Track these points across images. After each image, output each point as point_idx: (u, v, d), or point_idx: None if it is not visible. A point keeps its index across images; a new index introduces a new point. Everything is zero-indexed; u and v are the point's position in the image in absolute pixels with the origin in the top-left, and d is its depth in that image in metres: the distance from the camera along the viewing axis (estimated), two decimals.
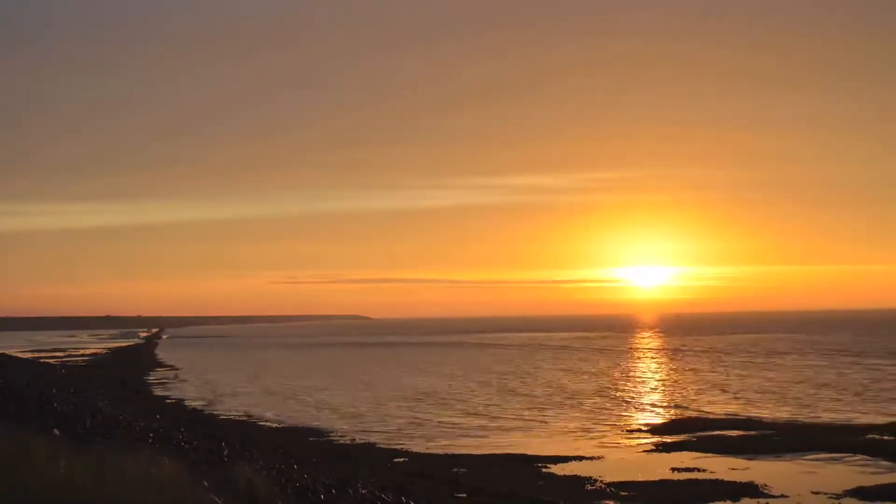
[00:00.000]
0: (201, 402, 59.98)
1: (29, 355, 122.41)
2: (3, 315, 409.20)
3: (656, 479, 29.87)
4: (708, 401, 55.12)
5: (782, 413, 47.90)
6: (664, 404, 54.70)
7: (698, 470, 31.22)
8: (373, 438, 41.31)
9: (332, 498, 21.46)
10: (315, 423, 47.36)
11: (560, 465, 32.82)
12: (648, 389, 64.56)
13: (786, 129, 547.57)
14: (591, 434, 41.67)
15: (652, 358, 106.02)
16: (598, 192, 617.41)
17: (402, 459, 34.73)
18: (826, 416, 46.14)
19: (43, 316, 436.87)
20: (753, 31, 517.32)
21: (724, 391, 61.07)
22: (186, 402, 59.90)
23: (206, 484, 15.30)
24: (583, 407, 53.38)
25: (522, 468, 32.44)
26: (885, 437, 37.45)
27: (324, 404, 57.64)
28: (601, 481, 29.38)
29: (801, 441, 36.66)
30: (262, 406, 57.28)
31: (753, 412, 48.35)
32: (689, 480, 29.40)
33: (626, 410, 51.65)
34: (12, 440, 14.73)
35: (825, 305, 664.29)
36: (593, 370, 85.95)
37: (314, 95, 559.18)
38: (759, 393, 59.27)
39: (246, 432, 41.85)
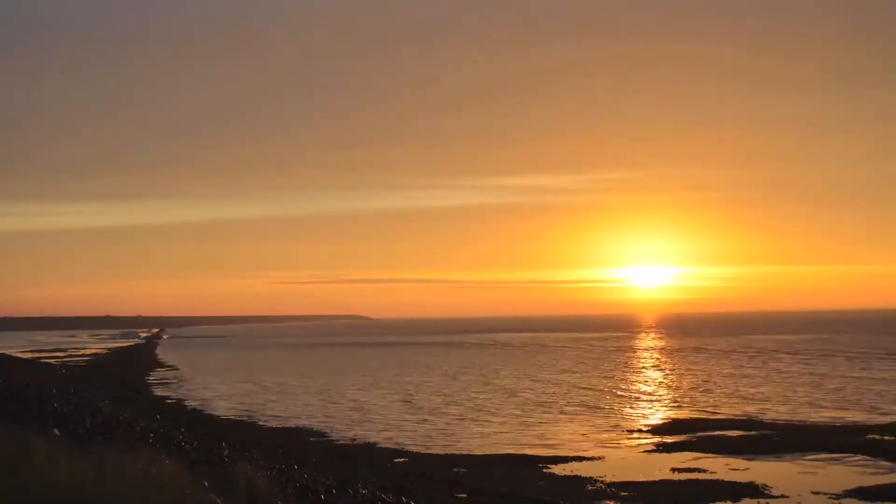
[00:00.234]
0: (201, 402, 59.95)
1: (29, 355, 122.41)
2: (3, 315, 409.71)
3: (657, 479, 29.87)
4: (708, 401, 55.09)
5: (782, 413, 47.89)
6: (664, 404, 54.69)
7: (699, 470, 31.21)
8: (373, 438, 41.30)
9: (332, 498, 21.45)
10: (315, 423, 47.34)
11: (560, 465, 32.80)
12: (649, 389, 64.52)
13: (786, 129, 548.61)
14: (592, 434, 41.64)
15: (652, 358, 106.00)
16: (599, 192, 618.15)
17: (402, 459, 34.71)
18: (826, 417, 46.12)
19: (43, 316, 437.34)
20: (753, 31, 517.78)
21: (724, 391, 61.05)
22: (186, 403, 59.89)
23: (206, 484, 15.29)
24: (583, 407, 53.34)
25: (523, 468, 32.43)
26: (885, 437, 37.44)
27: (323, 404, 57.61)
28: (602, 481, 29.36)
29: (802, 441, 36.64)
30: (261, 406, 57.24)
31: (754, 412, 48.33)
32: (690, 481, 29.38)
33: (626, 410, 51.62)
34: (12, 440, 14.72)
35: (825, 306, 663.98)
36: (593, 370, 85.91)
37: (314, 95, 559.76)
38: (760, 393, 59.24)
39: (246, 432, 41.84)
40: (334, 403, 58.03)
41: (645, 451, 36.35)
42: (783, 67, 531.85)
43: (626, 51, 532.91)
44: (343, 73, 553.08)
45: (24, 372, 70.79)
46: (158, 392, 68.43)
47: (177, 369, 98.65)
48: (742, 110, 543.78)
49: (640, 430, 42.60)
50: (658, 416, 49.04)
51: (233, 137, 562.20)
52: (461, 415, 50.60)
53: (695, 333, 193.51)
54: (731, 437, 39.16)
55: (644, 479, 29.69)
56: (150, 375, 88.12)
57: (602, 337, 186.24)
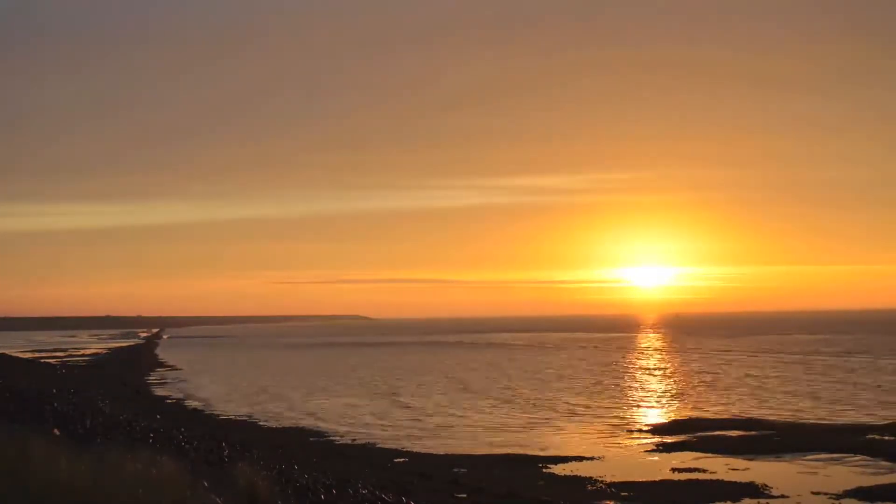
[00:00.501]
0: (201, 402, 59.96)
1: (29, 355, 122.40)
2: (3, 315, 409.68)
3: (657, 479, 29.86)
4: (708, 401, 55.09)
5: (782, 413, 47.88)
6: (665, 404, 54.69)
7: (699, 470, 31.21)
8: (373, 438, 41.30)
9: (332, 498, 21.45)
10: (315, 423, 47.34)
11: (560, 465, 32.81)
12: (649, 389, 64.52)
13: (786, 130, 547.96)
14: (592, 434, 41.64)
15: (652, 358, 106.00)
16: (599, 192, 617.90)
17: (402, 459, 34.72)
18: (826, 417, 46.12)
19: (43, 316, 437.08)
20: (753, 32, 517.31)
21: (724, 391, 61.02)
22: (186, 403, 59.90)
23: (206, 484, 15.30)
24: (583, 407, 53.34)
25: (523, 468, 32.43)
26: (885, 438, 37.43)
27: (323, 404, 57.61)
28: (602, 481, 29.36)
29: (802, 441, 36.65)
30: (261, 406, 57.25)
31: (754, 412, 48.32)
32: (690, 481, 29.37)
33: (626, 410, 51.61)
34: (12, 440, 14.72)
35: (826, 306, 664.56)
36: (593, 370, 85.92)
37: (314, 96, 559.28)
38: (760, 393, 59.24)
39: (246, 432, 41.85)
40: (334, 404, 58.01)
41: (645, 451, 36.35)
42: (783, 67, 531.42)
43: (626, 51, 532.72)
44: (343, 73, 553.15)
45: (24, 372, 70.80)
46: (158, 392, 68.42)
47: (177, 369, 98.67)
48: (742, 111, 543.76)
49: (640, 430, 42.60)
50: (658, 416, 49.04)
51: (233, 137, 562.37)
52: (461, 415, 50.59)
53: (694, 333, 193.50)
54: (731, 437, 39.16)
55: (644, 479, 29.69)
56: (150, 375, 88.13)
57: (602, 337, 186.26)
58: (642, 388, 65.50)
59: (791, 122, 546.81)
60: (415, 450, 37.40)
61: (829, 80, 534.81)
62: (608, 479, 29.60)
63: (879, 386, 62.65)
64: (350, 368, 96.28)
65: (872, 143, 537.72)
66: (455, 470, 31.70)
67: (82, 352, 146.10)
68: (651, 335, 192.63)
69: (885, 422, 42.86)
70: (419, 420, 48.41)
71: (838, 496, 26.80)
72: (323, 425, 46.54)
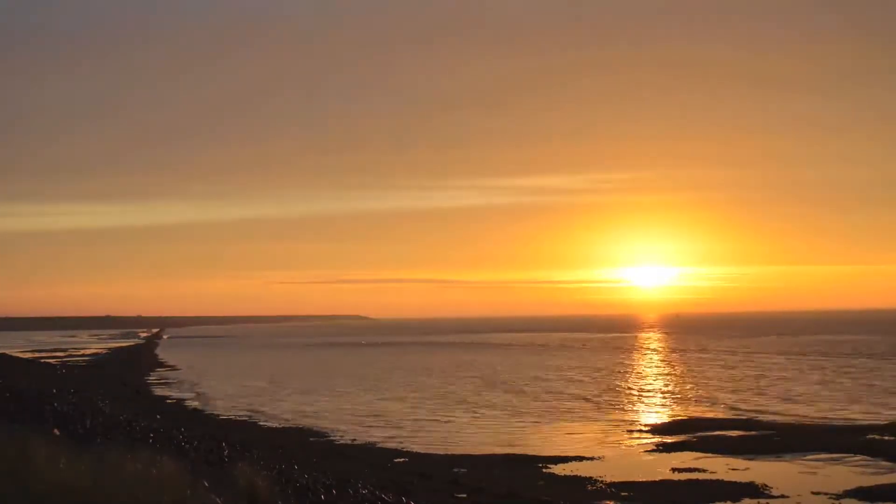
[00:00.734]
0: (201, 403, 59.97)
1: (29, 355, 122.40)
2: (3, 315, 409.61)
3: (657, 479, 29.87)
4: (708, 401, 55.10)
5: (782, 413, 47.89)
6: (664, 404, 54.70)
7: (699, 470, 31.21)
8: (373, 438, 41.30)
9: (332, 498, 21.45)
10: (315, 423, 47.34)
11: (560, 465, 32.81)
12: (649, 389, 64.51)
13: (786, 130, 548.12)
14: (592, 434, 41.65)
15: (652, 358, 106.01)
16: (599, 192, 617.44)
17: (402, 459, 34.72)
18: (826, 417, 46.13)
19: (43, 316, 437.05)
20: (753, 32, 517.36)
21: (724, 391, 61.02)
22: (186, 403, 59.90)
23: (206, 484, 15.29)
24: (583, 407, 53.36)
25: (523, 468, 32.44)
26: (885, 437, 37.45)
27: (323, 404, 57.62)
28: (602, 481, 29.36)
29: (802, 441, 36.66)
30: (262, 406, 57.25)
31: (754, 412, 48.33)
32: (690, 481, 29.38)
33: (626, 410, 51.63)
34: (12, 440, 14.72)
35: (826, 306, 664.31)
36: (593, 370, 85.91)
37: (314, 96, 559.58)
38: (760, 393, 59.25)
39: (246, 432, 41.84)
40: (334, 403, 58.02)
41: (645, 451, 36.35)
42: (783, 67, 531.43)
43: (626, 51, 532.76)
44: (343, 73, 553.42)
45: (24, 372, 70.81)
46: (158, 392, 68.43)
47: (177, 369, 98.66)
48: (742, 111, 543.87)
49: (640, 430, 42.62)
50: (658, 416, 49.05)
51: (233, 137, 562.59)
52: (461, 415, 50.60)
53: (694, 333, 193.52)
54: (731, 437, 39.17)
55: (644, 479, 29.69)
56: (150, 375, 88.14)
57: (602, 337, 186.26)
58: (642, 388, 65.49)
59: (791, 122, 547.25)
60: (415, 450, 37.41)
61: (829, 80, 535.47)
62: (608, 479, 29.61)
63: (879, 386, 62.66)
64: (350, 368, 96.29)
65: (872, 143, 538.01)
66: (455, 470, 31.70)
67: (82, 352, 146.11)
68: (651, 335, 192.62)
69: (885, 422, 42.89)
70: (419, 420, 48.40)
71: (838, 496, 26.80)
72: (323, 425, 46.53)
